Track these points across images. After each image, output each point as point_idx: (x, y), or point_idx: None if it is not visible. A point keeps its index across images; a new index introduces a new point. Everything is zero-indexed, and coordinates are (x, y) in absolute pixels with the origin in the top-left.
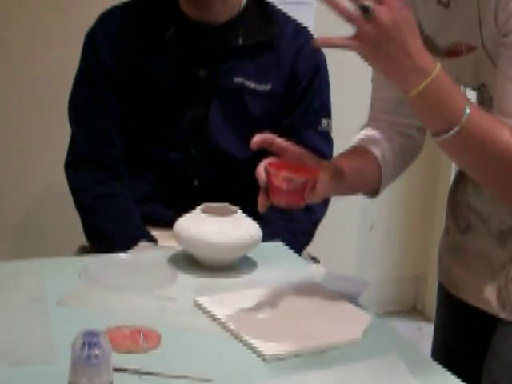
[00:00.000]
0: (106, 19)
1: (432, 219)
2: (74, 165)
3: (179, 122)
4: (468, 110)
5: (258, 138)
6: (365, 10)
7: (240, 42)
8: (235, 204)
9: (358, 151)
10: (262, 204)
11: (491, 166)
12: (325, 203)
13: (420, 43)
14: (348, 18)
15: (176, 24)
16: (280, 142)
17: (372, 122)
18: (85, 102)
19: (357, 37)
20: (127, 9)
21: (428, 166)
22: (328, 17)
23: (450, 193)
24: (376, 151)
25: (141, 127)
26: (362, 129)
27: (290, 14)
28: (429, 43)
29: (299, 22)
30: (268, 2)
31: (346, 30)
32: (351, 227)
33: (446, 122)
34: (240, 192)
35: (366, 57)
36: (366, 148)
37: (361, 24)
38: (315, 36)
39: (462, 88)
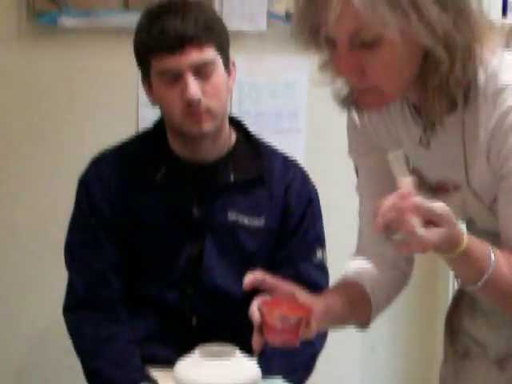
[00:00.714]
0: (98, 163)
1: (434, 336)
2: (73, 309)
3: (175, 262)
4: (493, 258)
5: (248, 280)
6: None
7: (231, 178)
8: (234, 340)
9: (348, 286)
10: (256, 343)
11: None
12: (323, 335)
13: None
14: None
15: (167, 165)
16: (271, 280)
17: (360, 252)
18: (80, 246)
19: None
20: (118, 152)
21: (427, 283)
22: (318, 144)
23: (446, 319)
24: (366, 285)
25: (137, 268)
26: (351, 259)
27: (280, 142)
28: (417, 176)
29: (290, 149)
30: (257, 138)
31: (336, 155)
32: (352, 349)
33: (475, 274)
34: (239, 328)
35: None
36: (356, 282)
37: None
38: (305, 166)
39: None
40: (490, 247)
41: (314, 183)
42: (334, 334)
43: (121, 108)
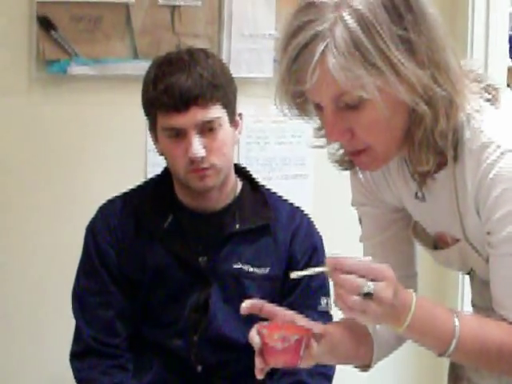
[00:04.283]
0: (106, 210)
1: (443, 378)
2: (79, 355)
3: (181, 310)
4: (457, 324)
5: (246, 305)
6: (368, 295)
7: (237, 227)
8: None
9: (349, 321)
10: (259, 368)
11: (498, 363)
12: (328, 381)
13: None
14: (352, 310)
15: (174, 213)
16: (269, 306)
17: None
18: (87, 294)
19: (366, 314)
20: (126, 199)
21: None
22: (325, 189)
23: (449, 366)
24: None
25: (143, 316)
26: None
27: (288, 188)
28: (419, 228)
29: (298, 196)
30: (262, 186)
31: (343, 203)
32: None
33: (441, 344)
34: (242, 375)
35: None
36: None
37: (366, 306)
38: (312, 213)
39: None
40: (456, 317)
41: (321, 230)
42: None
43: (130, 154)
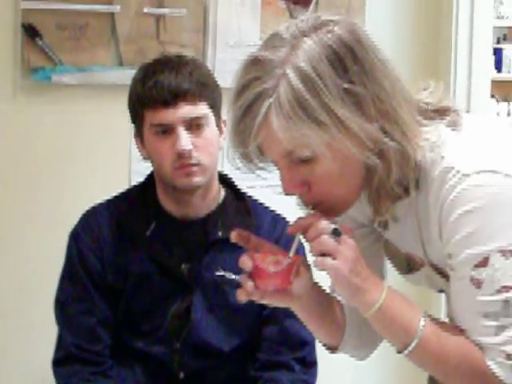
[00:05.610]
0: (89, 217)
1: None
2: (61, 362)
3: (163, 317)
4: (423, 325)
5: (235, 233)
6: (335, 232)
7: (219, 234)
8: None
9: (329, 295)
10: (248, 291)
11: (454, 376)
12: None
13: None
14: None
15: (156, 220)
16: (255, 238)
17: None
18: (70, 300)
19: (338, 257)
20: (109, 206)
21: None
22: None
23: (428, 379)
24: (343, 306)
25: (125, 323)
26: None
27: (272, 198)
28: (392, 246)
29: (282, 205)
30: (245, 195)
31: None
32: None
33: (402, 341)
34: (225, 382)
35: (341, 278)
36: (336, 298)
37: (336, 247)
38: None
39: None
40: (423, 317)
41: (303, 239)
42: None
43: (114, 162)
